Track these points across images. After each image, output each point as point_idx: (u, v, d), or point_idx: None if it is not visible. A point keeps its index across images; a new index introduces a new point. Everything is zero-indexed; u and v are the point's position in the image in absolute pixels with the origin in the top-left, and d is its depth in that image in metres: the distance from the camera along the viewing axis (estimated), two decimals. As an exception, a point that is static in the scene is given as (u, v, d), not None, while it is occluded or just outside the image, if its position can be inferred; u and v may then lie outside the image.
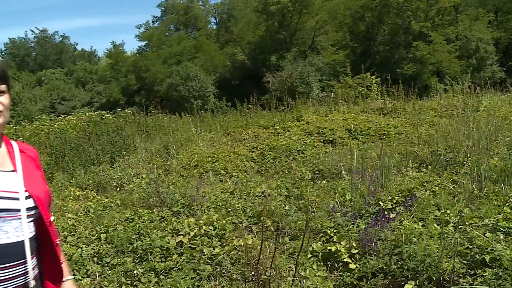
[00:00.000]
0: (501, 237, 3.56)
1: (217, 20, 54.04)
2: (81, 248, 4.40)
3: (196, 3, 52.66)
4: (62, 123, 13.27)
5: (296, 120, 11.21)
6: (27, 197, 1.67)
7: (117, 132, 10.33)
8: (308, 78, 31.23)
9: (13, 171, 1.72)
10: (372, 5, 41.39)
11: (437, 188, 5.08)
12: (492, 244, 3.40)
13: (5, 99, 1.71)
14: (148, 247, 4.19)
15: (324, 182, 6.39)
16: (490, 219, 3.93)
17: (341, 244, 4.01)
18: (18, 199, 1.66)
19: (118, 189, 7.35)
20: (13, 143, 1.84)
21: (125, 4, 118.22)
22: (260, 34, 42.78)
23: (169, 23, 53.55)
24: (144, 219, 5.01)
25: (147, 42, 51.90)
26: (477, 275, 3.19)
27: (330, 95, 16.39)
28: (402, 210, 4.61)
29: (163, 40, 49.23)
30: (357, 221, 4.48)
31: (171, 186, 6.14)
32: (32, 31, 77.71)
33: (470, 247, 3.47)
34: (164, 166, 8.44)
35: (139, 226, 4.71)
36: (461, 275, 3.23)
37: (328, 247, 4.00)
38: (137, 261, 4.11)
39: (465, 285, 3.12)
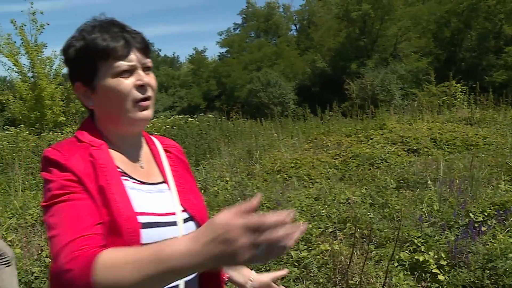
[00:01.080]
0: None
1: (297, 26, 54.35)
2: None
3: (276, 10, 53.32)
4: (148, 126, 13.93)
5: (379, 128, 11.10)
6: (186, 220, 1.30)
7: (201, 135, 10.72)
8: (390, 85, 30.67)
9: (163, 182, 1.35)
10: (459, 9, 39.94)
11: (532, 202, 4.90)
12: None
13: (153, 79, 1.32)
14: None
15: (409, 191, 6.32)
16: None
17: (429, 254, 3.98)
18: (175, 223, 1.27)
19: (203, 191, 7.64)
20: (154, 139, 1.47)
21: (207, 12, 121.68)
22: (340, 40, 42.54)
23: (250, 30, 54.57)
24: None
25: (228, 48, 53.18)
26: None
27: (413, 103, 16.07)
28: (495, 223, 4.48)
29: (243, 46, 50.26)
30: (446, 232, 4.42)
31: (255, 190, 6.31)
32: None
33: None
34: (247, 170, 8.66)
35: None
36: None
37: (416, 257, 3.99)
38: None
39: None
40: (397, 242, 4.36)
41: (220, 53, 62.84)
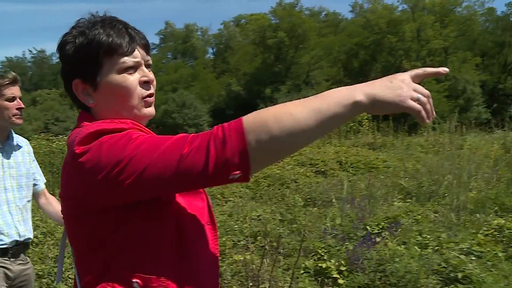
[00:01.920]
0: (473, 258, 4.03)
1: (214, 50, 55.09)
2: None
3: (195, 33, 53.79)
4: (61, 143, 13.64)
5: (290, 151, 11.66)
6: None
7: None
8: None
9: None
10: (366, 43, 42.62)
11: (419, 216, 5.54)
12: (465, 264, 3.85)
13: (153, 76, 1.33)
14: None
15: (315, 208, 6.84)
16: (465, 244, 4.40)
17: (331, 262, 4.45)
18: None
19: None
20: None
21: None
22: (256, 66, 43.74)
23: (167, 50, 54.52)
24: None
25: (144, 68, 52.78)
26: (450, 289, 3.64)
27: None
28: (387, 234, 5.05)
29: (160, 67, 50.11)
30: (346, 243, 4.92)
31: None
32: (30, 51, 78.68)
33: (446, 266, 3.92)
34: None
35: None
36: (436, 289, 3.68)
37: (319, 264, 4.43)
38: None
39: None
40: (302, 252, 4.80)
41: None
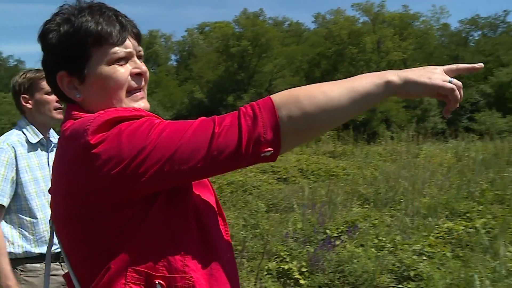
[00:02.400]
0: (425, 258, 4.33)
1: (178, 57, 54.96)
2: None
3: (158, 39, 53.54)
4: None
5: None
6: None
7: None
8: (264, 119, 32.14)
9: None
10: (328, 53, 43.46)
11: (376, 221, 5.83)
12: (417, 263, 4.14)
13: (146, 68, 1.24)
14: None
15: (278, 214, 7.06)
16: (418, 245, 4.70)
17: (293, 263, 4.67)
18: None
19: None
20: None
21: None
22: (219, 73, 43.95)
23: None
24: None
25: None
26: (403, 286, 3.91)
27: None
28: (346, 237, 5.32)
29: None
30: (307, 246, 5.15)
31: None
32: (-16, 53, 76.40)
33: (400, 266, 4.20)
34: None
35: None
36: (391, 287, 3.95)
37: (282, 266, 4.65)
38: None
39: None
40: (265, 255, 5.01)
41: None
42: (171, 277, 1.06)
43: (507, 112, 28.31)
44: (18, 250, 2.42)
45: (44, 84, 2.41)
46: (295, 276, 4.51)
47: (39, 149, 2.53)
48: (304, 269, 4.57)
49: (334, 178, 9.82)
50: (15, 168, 2.40)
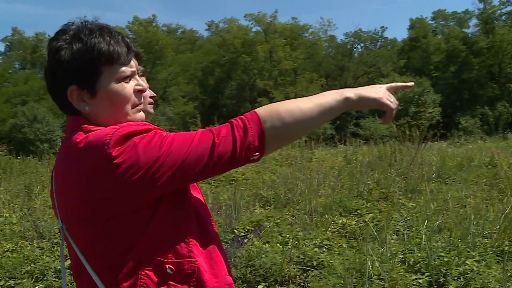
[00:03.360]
0: (324, 250, 4.88)
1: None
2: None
3: (45, 43, 50.91)
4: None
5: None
6: None
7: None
8: (159, 126, 32.06)
9: None
10: (222, 61, 44.25)
11: (279, 220, 6.34)
12: (318, 254, 4.67)
13: (146, 84, 1.49)
14: (44, 268, 4.75)
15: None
16: (318, 239, 5.25)
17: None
18: None
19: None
20: None
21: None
22: (112, 80, 42.86)
23: (14, 60, 50.85)
24: (27, 249, 5.47)
25: (-13, 78, 48.51)
26: (308, 274, 4.41)
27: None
28: (253, 236, 5.75)
29: (6, 77, 46.57)
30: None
31: (49, 220, 6.59)
32: None
33: (304, 257, 4.70)
34: (27, 205, 8.64)
35: (26, 254, 5.20)
36: (297, 276, 4.43)
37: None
38: (33, 281, 4.64)
39: (300, 282, 4.32)
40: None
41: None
42: (179, 261, 1.27)
43: (387, 118, 30.63)
44: None
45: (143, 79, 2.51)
46: (209, 273, 4.85)
47: None
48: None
49: (234, 182, 10.26)
50: None
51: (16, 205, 8.62)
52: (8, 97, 39.78)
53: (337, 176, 9.03)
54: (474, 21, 51.22)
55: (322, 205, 6.72)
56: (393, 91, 1.51)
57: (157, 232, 1.26)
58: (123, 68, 1.31)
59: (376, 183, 8.09)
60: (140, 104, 1.39)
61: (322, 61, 49.30)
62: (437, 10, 53.53)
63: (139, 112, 1.39)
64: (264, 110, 1.32)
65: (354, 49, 53.12)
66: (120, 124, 1.24)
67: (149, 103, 2.63)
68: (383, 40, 54.47)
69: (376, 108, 1.46)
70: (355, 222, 6.01)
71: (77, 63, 1.26)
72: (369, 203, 6.92)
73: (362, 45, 53.89)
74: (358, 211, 6.56)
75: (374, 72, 47.03)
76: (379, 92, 1.44)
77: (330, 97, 1.38)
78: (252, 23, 49.04)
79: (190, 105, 41.09)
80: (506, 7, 48.06)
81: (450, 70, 47.48)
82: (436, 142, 18.74)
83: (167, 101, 41.97)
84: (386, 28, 61.62)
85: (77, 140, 1.23)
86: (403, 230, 5.51)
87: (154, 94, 1.94)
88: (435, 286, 3.84)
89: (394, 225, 5.70)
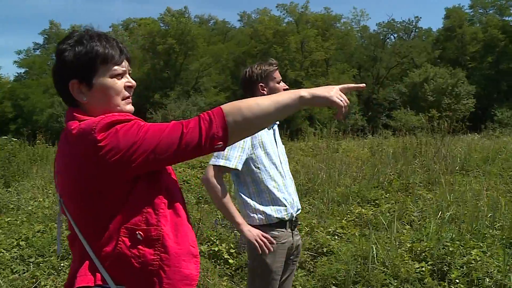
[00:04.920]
0: (337, 238, 5.02)
1: (102, 53, 53.55)
2: (2, 252, 5.13)
3: (80, 35, 51.92)
4: None
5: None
6: None
7: (9, 158, 10.66)
8: (191, 117, 32.46)
9: None
10: (253, 52, 44.31)
11: (297, 208, 6.49)
12: (329, 242, 4.81)
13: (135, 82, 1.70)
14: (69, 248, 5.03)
15: (207, 205, 7.56)
16: (332, 227, 5.38)
17: (222, 246, 5.20)
18: None
19: (16, 211, 7.87)
20: None
21: (2, 26, 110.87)
22: (145, 71, 43.51)
23: (52, 52, 52.11)
24: (55, 231, 5.79)
25: (27, 69, 49.91)
26: (317, 260, 4.56)
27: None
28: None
29: (45, 68, 47.84)
30: (235, 231, 5.71)
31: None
32: None
33: (315, 244, 4.85)
34: (59, 191, 9.03)
35: (54, 235, 5.51)
36: (307, 261, 4.58)
37: (213, 248, 5.17)
38: (59, 259, 4.94)
39: (310, 267, 4.48)
40: (198, 240, 5.51)
41: (17, 73, 58.54)
42: (147, 229, 1.50)
43: (420, 110, 30.34)
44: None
45: (277, 74, 2.90)
46: (225, 257, 5.05)
47: (270, 129, 2.91)
48: (232, 251, 5.12)
49: (259, 172, 10.43)
50: (255, 142, 2.76)
51: (50, 191, 9.01)
52: (46, 88, 40.94)
53: (360, 166, 9.10)
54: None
55: (340, 195, 6.83)
56: (345, 92, 1.70)
57: (133, 205, 1.50)
58: (116, 67, 1.58)
59: (398, 174, 8.13)
60: (129, 97, 1.65)
61: (354, 52, 48.83)
62: (476, -2, 52.13)
63: (128, 104, 1.64)
64: (228, 106, 1.53)
65: (387, 40, 52.45)
66: (106, 114, 1.48)
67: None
68: (417, 30, 53.55)
69: (328, 106, 1.65)
70: (371, 212, 6.10)
71: (78, 61, 1.53)
72: (388, 194, 6.99)
73: (395, 35, 53.13)
74: (376, 201, 6.65)
75: (407, 63, 46.32)
76: (331, 91, 1.63)
77: (287, 95, 1.60)
78: (283, 14, 48.97)
79: (222, 95, 41.39)
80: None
81: (487, 60, 46.22)
82: (469, 134, 18.46)
83: (199, 91, 42.38)
84: (421, 18, 60.37)
85: (72, 127, 1.48)
86: (418, 221, 5.59)
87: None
88: (437, 274, 3.93)
89: (409, 215, 5.78)
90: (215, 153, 2.68)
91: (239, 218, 2.68)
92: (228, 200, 2.68)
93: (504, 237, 4.63)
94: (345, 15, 54.23)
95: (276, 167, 2.80)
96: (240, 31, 53.68)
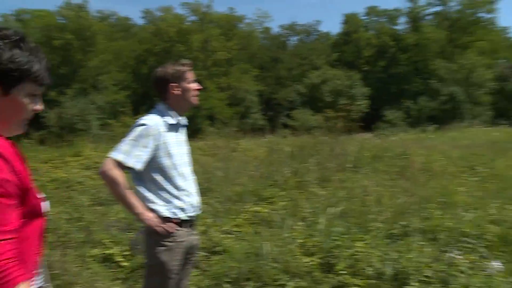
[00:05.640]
0: (232, 236, 5.07)
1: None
2: None
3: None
4: None
5: (76, 156, 11.79)
6: None
7: None
8: (89, 115, 31.30)
9: None
10: (155, 50, 43.59)
11: (193, 208, 6.48)
12: (223, 240, 4.85)
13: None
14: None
15: (101, 207, 7.32)
16: (227, 226, 5.43)
17: (115, 248, 5.05)
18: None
19: None
20: None
21: None
22: (39, 66, 41.22)
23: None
24: None
25: None
26: (211, 259, 4.58)
27: (108, 133, 17.22)
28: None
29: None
30: (129, 232, 5.57)
31: None
32: None
33: (209, 243, 4.87)
34: None
35: None
36: (202, 260, 4.59)
37: (105, 251, 5.01)
38: None
39: (204, 267, 4.49)
40: (89, 243, 5.32)
41: None
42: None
43: (317, 110, 31.47)
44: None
45: (190, 75, 2.92)
46: (118, 260, 4.91)
47: (176, 130, 2.90)
48: (126, 253, 4.99)
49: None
50: (158, 143, 2.74)
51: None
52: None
53: (258, 165, 9.26)
54: (403, 19, 53.20)
55: (237, 194, 6.91)
56: None
57: None
58: (38, 88, 1.53)
59: (294, 173, 8.37)
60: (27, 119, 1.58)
61: (256, 53, 49.66)
62: (370, 7, 55.15)
63: (23, 127, 1.58)
64: None
65: (289, 41, 53.92)
66: None
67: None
68: (317, 33, 55.61)
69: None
70: (267, 210, 6.24)
71: (11, 66, 1.43)
72: (284, 192, 7.18)
73: (296, 37, 54.79)
74: (272, 199, 6.80)
75: (306, 65, 47.93)
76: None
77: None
78: (187, 12, 48.61)
79: (122, 94, 40.25)
80: (432, 8, 50.37)
81: (380, 64, 49.24)
82: (363, 134, 19.47)
83: (98, 89, 40.88)
84: (321, 22, 62.85)
85: None
86: (310, 217, 5.79)
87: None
88: (325, 267, 4.11)
89: (302, 212, 5.97)
90: (116, 147, 2.70)
91: (139, 208, 2.68)
92: (127, 191, 2.66)
93: (386, 229, 4.95)
94: (249, 16, 54.74)
95: (179, 168, 2.82)
96: (142, 28, 52.53)
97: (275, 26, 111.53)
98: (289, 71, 48.66)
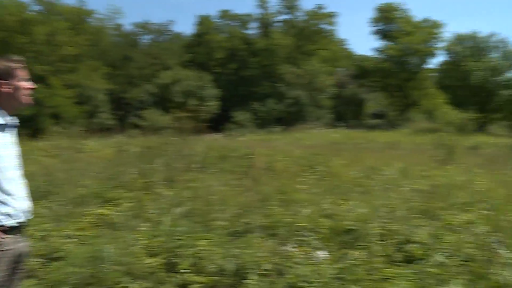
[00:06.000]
0: (75, 240, 4.93)
1: None
2: None
3: None
4: None
5: None
6: None
7: None
8: None
9: None
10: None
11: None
12: (64, 245, 4.70)
13: None
14: None
15: None
16: (68, 230, 5.26)
17: None
18: None
19: None
20: None
21: None
22: None
23: None
24: None
25: None
26: (49, 266, 4.41)
27: None
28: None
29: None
30: None
31: None
32: None
33: (50, 249, 4.67)
34: None
35: None
36: (39, 268, 4.39)
37: None
38: None
39: (41, 275, 4.30)
40: None
41: None
42: None
43: (168, 110, 31.35)
44: None
45: (22, 72, 2.75)
46: None
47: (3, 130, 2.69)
48: None
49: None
50: None
51: None
52: None
53: (104, 166, 9.03)
54: (254, 24, 55.13)
55: (80, 196, 6.69)
56: None
57: None
58: None
59: (141, 174, 8.32)
60: None
61: (106, 49, 47.84)
62: (223, 10, 56.22)
63: None
64: None
65: (141, 40, 52.87)
66: None
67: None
68: (170, 33, 55.29)
69: None
70: (112, 212, 6.14)
71: None
72: (130, 193, 7.11)
73: (149, 37, 53.91)
74: (118, 201, 6.70)
75: (158, 65, 47.45)
76: None
77: None
78: (32, 1, 45.04)
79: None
80: (281, 15, 53.03)
81: (231, 67, 50.55)
82: (213, 134, 19.89)
83: None
84: (175, 22, 62.64)
85: None
86: (155, 218, 5.83)
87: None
88: (169, 267, 4.21)
89: (147, 213, 5.99)
90: None
91: None
92: None
93: (229, 227, 5.20)
94: (101, 11, 52.56)
95: (5, 172, 2.63)
96: (-25, 15, 47.56)
97: (127, 24, 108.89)
98: (140, 70, 47.67)
